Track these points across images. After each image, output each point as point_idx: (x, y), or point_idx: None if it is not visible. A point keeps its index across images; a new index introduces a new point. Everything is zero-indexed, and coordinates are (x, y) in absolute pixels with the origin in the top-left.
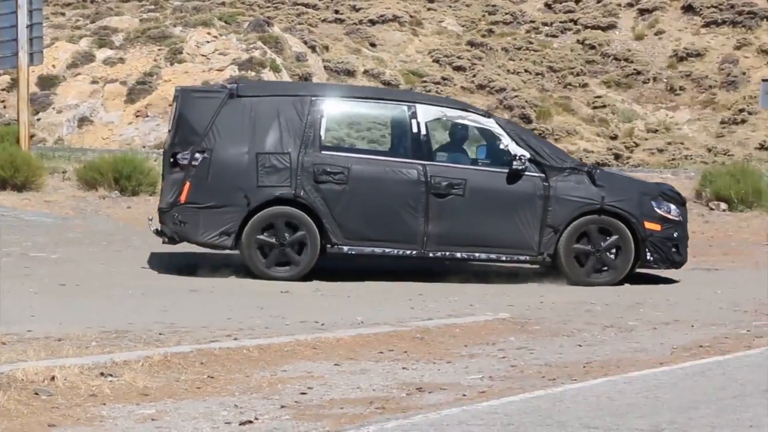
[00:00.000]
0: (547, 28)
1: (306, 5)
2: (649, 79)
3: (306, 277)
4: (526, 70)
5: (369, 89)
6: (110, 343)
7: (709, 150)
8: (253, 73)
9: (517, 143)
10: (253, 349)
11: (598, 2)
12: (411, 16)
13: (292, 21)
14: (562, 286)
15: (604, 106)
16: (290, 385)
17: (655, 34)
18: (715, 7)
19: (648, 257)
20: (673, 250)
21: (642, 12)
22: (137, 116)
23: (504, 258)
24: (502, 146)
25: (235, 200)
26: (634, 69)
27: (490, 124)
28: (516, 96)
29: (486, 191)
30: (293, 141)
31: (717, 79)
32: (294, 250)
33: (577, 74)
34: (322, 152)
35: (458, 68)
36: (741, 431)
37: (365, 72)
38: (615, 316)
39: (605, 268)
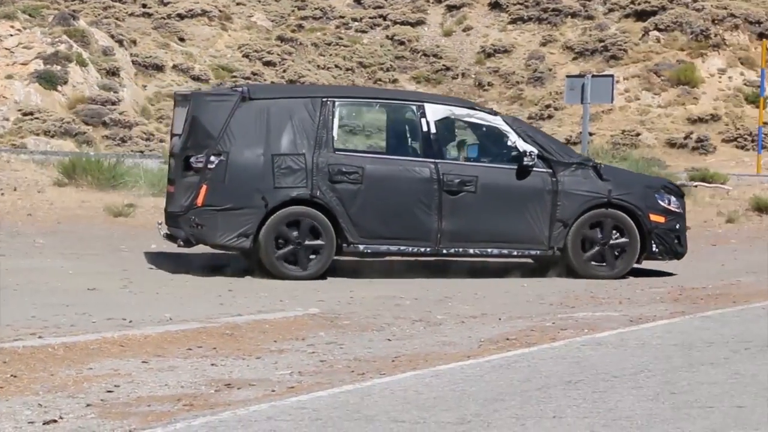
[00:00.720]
0: (356, 23)
1: None
2: (457, 75)
3: (319, 277)
4: (336, 66)
5: (377, 90)
6: None
7: None
8: (59, 67)
9: (524, 140)
10: (59, 347)
11: None
12: (220, 11)
13: (99, 15)
14: (373, 280)
15: None
16: (96, 383)
17: (463, 30)
18: (521, 4)
19: (653, 249)
20: (676, 241)
21: (450, 8)
22: None
23: (516, 253)
24: (509, 143)
25: (252, 202)
26: (443, 65)
27: (497, 121)
28: None
29: (497, 187)
30: (307, 142)
31: (524, 75)
32: (311, 249)
33: (387, 70)
34: (336, 153)
35: (268, 63)
36: (544, 422)
37: (174, 67)
38: (424, 310)
39: (613, 260)
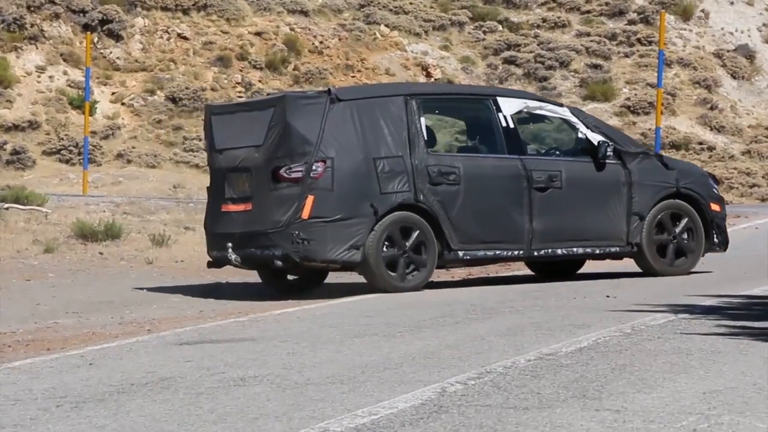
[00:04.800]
0: None
1: None
2: None
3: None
4: None
5: (449, 86)
6: None
7: None
8: None
9: (592, 131)
10: None
11: None
12: None
13: None
14: None
15: None
16: None
17: None
18: None
19: (715, 239)
20: (725, 230)
21: None
22: None
23: (598, 251)
24: (580, 135)
25: (362, 210)
26: None
27: (566, 113)
28: None
29: (579, 182)
30: (400, 143)
31: None
32: (416, 258)
33: None
34: (429, 153)
35: None
36: None
37: None
38: None
39: (684, 253)
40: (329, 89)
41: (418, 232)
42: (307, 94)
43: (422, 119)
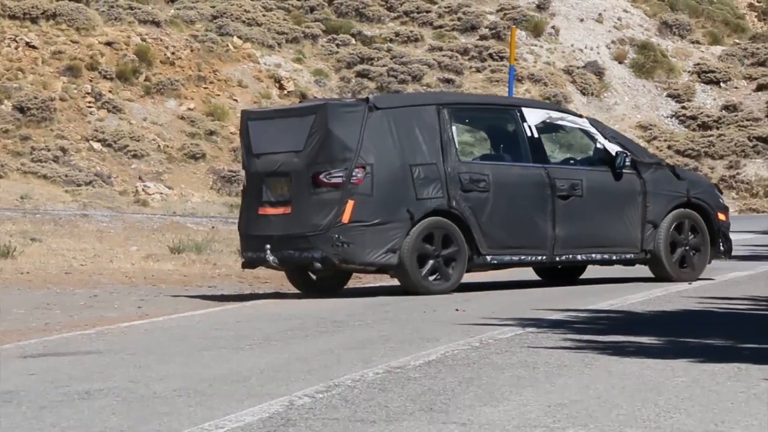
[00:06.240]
0: None
1: None
2: None
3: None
4: None
5: (479, 96)
6: None
7: None
8: None
9: (610, 141)
10: None
11: None
12: None
13: None
14: None
15: None
16: None
17: None
18: None
19: (720, 247)
20: (730, 239)
21: None
22: None
23: (614, 258)
24: (598, 145)
25: (399, 215)
26: None
27: (585, 124)
28: None
29: (598, 190)
30: (434, 150)
31: None
32: (447, 262)
33: None
34: (461, 161)
35: None
36: None
37: None
38: None
39: (692, 262)
40: (367, 98)
41: (450, 236)
42: (347, 102)
43: (453, 128)
